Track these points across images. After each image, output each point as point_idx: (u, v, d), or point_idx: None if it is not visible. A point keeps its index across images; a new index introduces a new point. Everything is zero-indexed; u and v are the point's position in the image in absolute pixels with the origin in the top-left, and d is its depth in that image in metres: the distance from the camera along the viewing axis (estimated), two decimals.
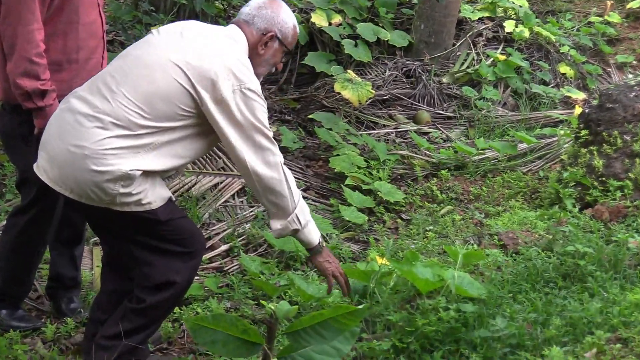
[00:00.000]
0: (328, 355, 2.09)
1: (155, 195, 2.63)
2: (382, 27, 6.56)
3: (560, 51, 7.01)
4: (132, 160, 2.55)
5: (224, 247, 4.29)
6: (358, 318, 1.98)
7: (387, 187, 5.06)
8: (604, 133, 4.45)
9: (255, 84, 2.62)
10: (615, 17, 7.55)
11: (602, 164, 4.35)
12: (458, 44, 6.85)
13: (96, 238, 3.99)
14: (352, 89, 5.70)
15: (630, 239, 3.24)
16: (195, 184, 4.80)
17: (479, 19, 7.13)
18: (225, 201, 4.77)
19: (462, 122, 6.23)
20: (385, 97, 6.35)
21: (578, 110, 5.80)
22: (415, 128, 6.11)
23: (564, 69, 6.86)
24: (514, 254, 3.59)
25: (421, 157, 5.54)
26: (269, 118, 6.01)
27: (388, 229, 4.79)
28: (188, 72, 2.56)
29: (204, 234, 4.37)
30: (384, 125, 6.14)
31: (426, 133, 6.09)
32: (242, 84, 2.58)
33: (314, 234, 2.82)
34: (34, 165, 2.71)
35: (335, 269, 2.89)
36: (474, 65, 6.70)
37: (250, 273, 3.88)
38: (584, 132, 4.57)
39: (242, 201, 4.83)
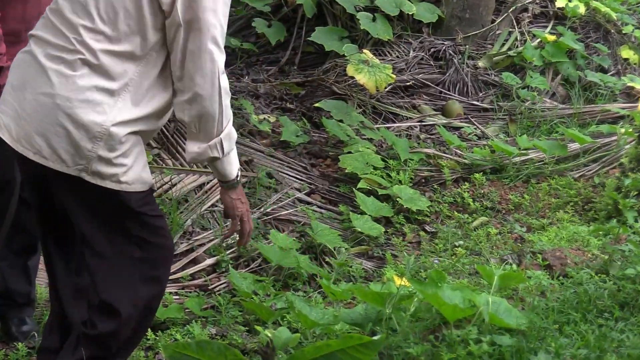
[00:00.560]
0: None
1: (135, 176, 2.67)
2: None
3: (623, 31, 7.01)
4: (111, 112, 2.59)
5: (209, 261, 4.31)
6: (372, 351, 1.99)
7: (409, 193, 5.07)
8: None
9: None
10: None
11: None
12: (498, 21, 6.86)
13: None
14: (369, 72, 5.72)
15: None
16: (175, 184, 4.82)
17: None
18: (212, 205, 4.78)
19: (501, 116, 6.23)
20: (408, 84, 6.36)
21: None
22: (444, 122, 6.11)
23: (626, 53, 6.87)
24: (561, 277, 3.59)
25: (450, 156, 5.55)
26: (267, 105, 6.07)
27: (409, 243, 4.79)
28: None
29: (186, 244, 4.39)
30: (406, 118, 6.14)
31: (457, 128, 6.09)
32: None
33: (233, 165, 2.79)
34: None
35: (245, 212, 2.87)
36: (517, 47, 6.71)
37: (241, 293, 3.90)
38: None
39: None
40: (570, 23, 6.98)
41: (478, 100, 6.40)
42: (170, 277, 4.09)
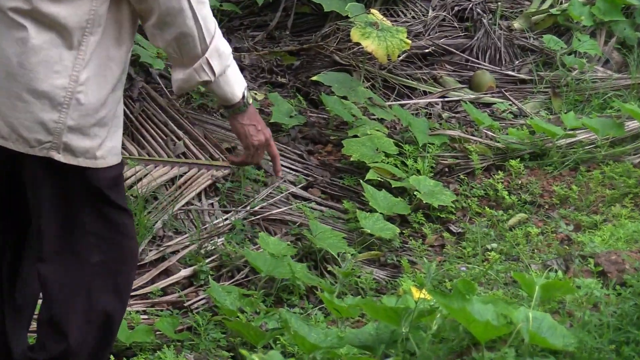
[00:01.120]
0: None
1: (110, 147, 2.74)
2: None
3: None
4: (74, 68, 2.63)
5: (184, 272, 4.31)
6: None
7: (429, 185, 5.07)
8: None
9: None
10: None
11: None
12: None
13: None
14: (378, 38, 5.71)
15: None
16: (142, 178, 4.83)
17: None
18: (188, 203, 4.78)
19: (542, 89, 6.23)
20: (427, 51, 6.36)
21: None
22: (472, 97, 6.11)
23: None
24: (618, 286, 3.59)
25: (480, 140, 5.55)
26: (254, 79, 6.07)
27: (429, 247, 4.79)
28: None
29: (156, 251, 4.40)
30: (425, 93, 6.13)
31: (488, 104, 6.09)
32: None
33: (234, 85, 2.82)
34: None
35: (264, 140, 2.91)
36: (561, 4, 6.70)
37: (224, 311, 3.90)
38: None
39: (212, 203, 4.84)
40: None
41: (513, 70, 6.39)
42: (138, 293, 4.11)
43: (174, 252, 4.44)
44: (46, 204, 2.75)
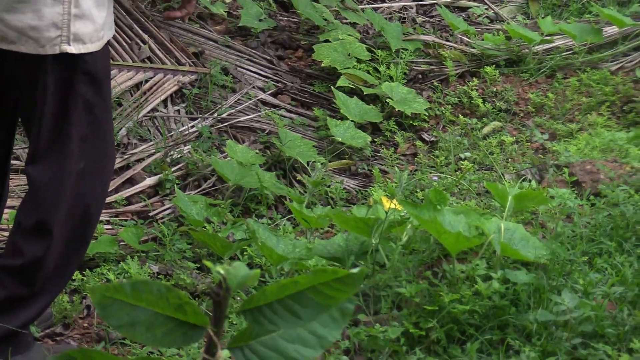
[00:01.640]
0: (305, 344, 2.10)
1: (109, 23, 2.90)
2: None
3: None
4: None
5: (149, 181, 4.29)
6: (352, 289, 1.97)
7: (402, 92, 5.05)
8: None
9: None
10: None
11: None
12: None
13: None
14: None
15: None
16: None
17: None
18: (153, 109, 4.75)
19: None
20: None
21: None
22: (448, 0, 6.05)
23: None
24: (592, 197, 3.61)
25: (455, 45, 5.51)
26: None
27: (402, 156, 4.79)
28: None
29: (120, 159, 4.37)
30: None
31: (464, 9, 6.04)
32: None
33: None
34: None
35: None
36: None
37: (190, 221, 3.90)
38: None
39: (178, 110, 4.80)
40: None
41: None
42: None
43: (139, 160, 4.42)
44: (41, 105, 2.83)
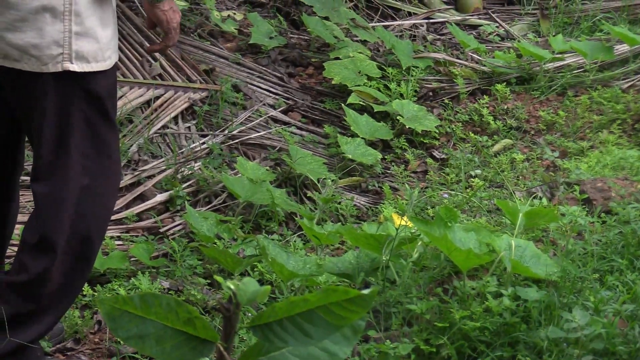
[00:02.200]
0: None
1: (113, 45, 2.90)
2: None
3: None
4: None
5: (160, 197, 4.30)
6: (361, 308, 1.97)
7: (413, 110, 5.05)
8: None
9: None
10: None
11: None
12: None
13: None
14: None
15: None
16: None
17: None
18: (164, 126, 4.75)
19: (530, 11, 6.18)
20: None
21: None
22: (458, 18, 6.06)
23: None
24: (603, 214, 3.61)
25: (466, 63, 5.52)
26: None
27: (412, 174, 4.79)
28: None
29: (131, 175, 4.38)
30: (410, 14, 6.08)
31: (474, 26, 6.04)
32: None
33: None
34: None
35: (180, 17, 3.06)
36: None
37: (201, 237, 3.90)
38: None
39: (188, 127, 4.81)
40: None
41: None
42: (112, 218, 4.05)
43: (150, 177, 4.42)
44: (42, 122, 2.83)
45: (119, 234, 4.03)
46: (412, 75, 5.32)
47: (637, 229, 3.24)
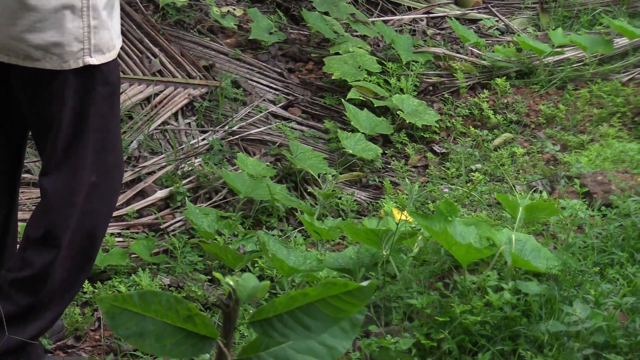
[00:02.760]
0: (315, 355, 2.11)
1: (117, 31, 2.93)
2: None
3: None
4: None
5: (160, 194, 4.30)
6: (360, 300, 1.97)
7: (413, 104, 5.05)
8: None
9: None
10: None
11: None
12: None
13: None
14: None
15: None
16: None
17: None
18: (164, 123, 4.75)
19: (529, 5, 6.17)
20: None
21: None
22: (458, 13, 6.06)
23: None
24: (603, 207, 3.60)
25: (466, 57, 5.51)
26: None
27: (412, 168, 4.79)
28: None
29: (131, 172, 4.38)
30: (410, 9, 6.07)
31: (474, 21, 6.04)
32: None
33: None
34: None
35: None
36: None
37: (201, 233, 3.90)
38: None
39: (188, 123, 4.81)
40: None
41: None
42: (112, 215, 4.09)
43: (150, 173, 4.42)
44: (59, 117, 2.85)
45: (119, 231, 4.04)
46: (412, 70, 5.32)
47: (638, 222, 3.24)
